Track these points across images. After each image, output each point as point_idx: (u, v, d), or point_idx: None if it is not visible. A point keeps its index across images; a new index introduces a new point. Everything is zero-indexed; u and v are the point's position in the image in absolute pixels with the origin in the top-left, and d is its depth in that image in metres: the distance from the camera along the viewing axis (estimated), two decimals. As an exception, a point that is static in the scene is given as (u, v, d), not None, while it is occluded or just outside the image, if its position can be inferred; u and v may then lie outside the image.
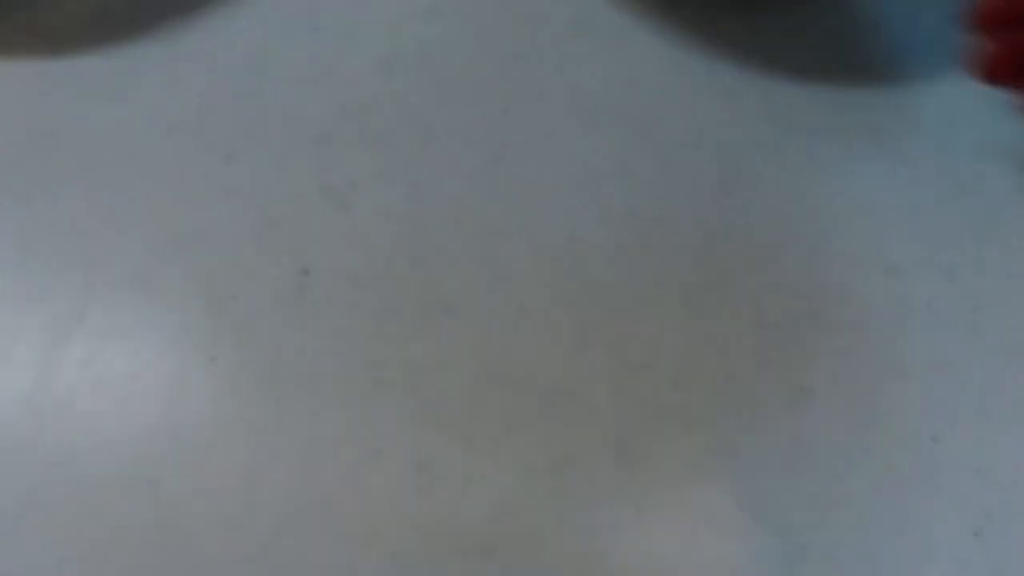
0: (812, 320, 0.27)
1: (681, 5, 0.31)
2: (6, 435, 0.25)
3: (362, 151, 0.29)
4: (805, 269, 0.27)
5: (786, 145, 0.29)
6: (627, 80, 0.30)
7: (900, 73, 0.30)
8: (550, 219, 0.28)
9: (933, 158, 0.29)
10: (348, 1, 0.30)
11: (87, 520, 0.24)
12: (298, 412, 0.26)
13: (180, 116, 0.29)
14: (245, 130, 0.29)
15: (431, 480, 0.25)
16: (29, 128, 0.29)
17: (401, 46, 0.30)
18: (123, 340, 0.26)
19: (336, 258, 0.27)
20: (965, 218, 0.28)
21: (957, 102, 0.30)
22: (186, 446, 0.25)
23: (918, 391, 0.26)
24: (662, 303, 0.27)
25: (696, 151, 0.29)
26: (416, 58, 0.30)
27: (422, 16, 0.30)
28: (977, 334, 0.27)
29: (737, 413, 0.26)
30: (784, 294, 0.27)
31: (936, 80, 0.30)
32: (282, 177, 0.28)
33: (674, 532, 0.25)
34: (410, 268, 0.27)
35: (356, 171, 0.28)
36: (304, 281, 0.27)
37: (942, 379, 0.26)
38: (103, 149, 0.28)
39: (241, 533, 0.24)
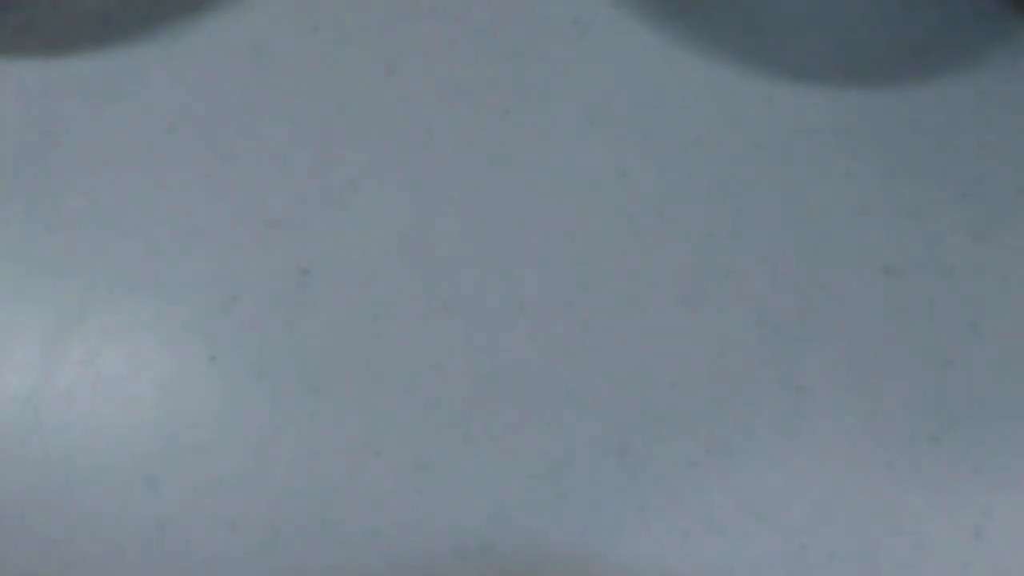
0: (812, 320, 0.27)
1: (681, 5, 0.31)
2: (6, 435, 0.25)
3: (362, 151, 0.29)
4: (805, 269, 0.27)
5: (786, 145, 0.29)
6: (627, 80, 0.30)
7: (900, 73, 0.30)
8: (550, 219, 0.28)
9: (933, 158, 0.29)
10: (348, 1, 0.30)
11: (87, 520, 0.24)
12: (298, 412, 0.26)
13: (180, 116, 0.29)
14: (245, 130, 0.29)
15: (431, 480, 0.25)
16: (29, 128, 0.29)
17: (401, 46, 0.30)
18: (123, 340, 0.26)
19: (336, 258, 0.27)
20: (965, 218, 0.28)
21: (958, 102, 0.30)
22: (186, 446, 0.25)
23: (918, 391, 0.26)
24: (662, 303, 0.27)
25: (696, 151, 0.29)
26: (416, 58, 0.30)
27: (422, 16, 0.30)
28: (977, 334, 0.27)
29: (737, 413, 0.26)
30: (784, 294, 0.27)
31: (937, 80, 0.30)
32: (282, 177, 0.28)
33: (674, 532, 0.25)
34: (410, 268, 0.27)
35: (356, 171, 0.28)
36: (304, 281, 0.27)
37: (942, 379, 0.26)
38: (103, 149, 0.28)
39: (241, 533, 0.24)
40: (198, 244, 0.27)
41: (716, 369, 0.26)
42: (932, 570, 0.25)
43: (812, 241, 0.28)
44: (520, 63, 0.30)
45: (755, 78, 0.30)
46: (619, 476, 0.25)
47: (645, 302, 0.27)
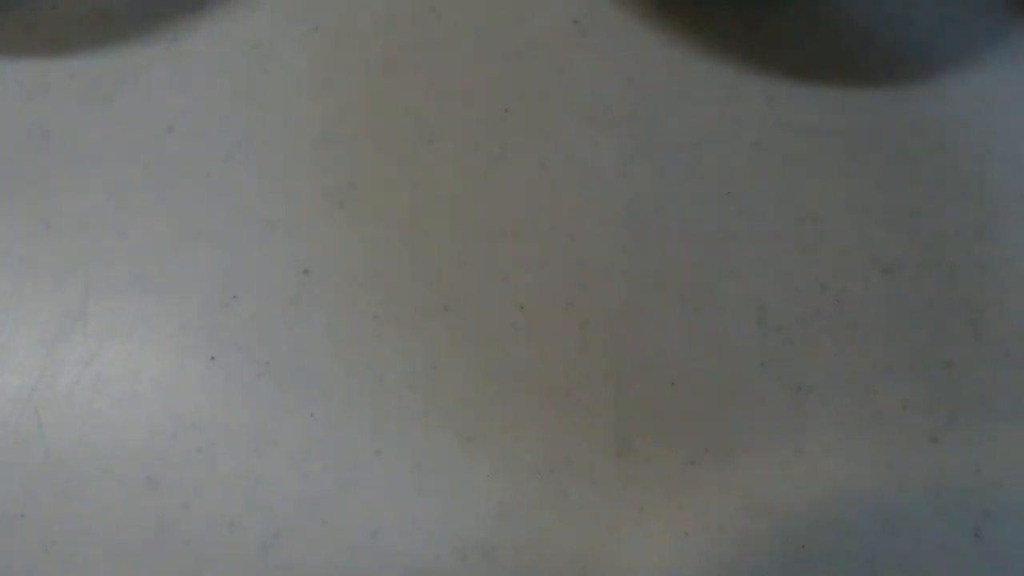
0: (812, 320, 0.27)
1: (681, 5, 0.31)
2: (6, 435, 0.25)
3: (362, 151, 0.29)
4: (805, 269, 0.27)
5: (786, 145, 0.29)
6: (627, 80, 0.30)
7: (900, 73, 0.30)
8: (550, 219, 0.28)
9: (933, 158, 0.29)
10: (348, 1, 0.30)
11: (87, 520, 0.24)
12: (298, 412, 0.26)
13: (180, 116, 0.29)
14: (245, 130, 0.29)
15: (431, 480, 0.25)
16: (29, 128, 0.29)
17: (401, 46, 0.30)
18: (123, 340, 0.26)
19: (336, 258, 0.27)
20: (965, 218, 0.28)
21: (958, 102, 0.30)
22: (186, 446, 0.25)
23: (918, 391, 0.26)
24: (662, 303, 0.27)
25: (696, 151, 0.29)
26: (416, 58, 0.30)
27: (422, 16, 0.30)
28: (977, 334, 0.27)
29: (737, 413, 0.26)
30: (784, 294, 0.27)
31: (937, 80, 0.30)
32: (282, 177, 0.28)
33: (674, 532, 0.25)
34: (410, 268, 0.27)
35: (356, 171, 0.28)
36: (304, 281, 0.27)
37: (942, 379, 0.26)
38: (103, 149, 0.28)
39: (241, 533, 0.24)
40: (198, 244, 0.27)
41: (716, 369, 0.26)
42: (932, 570, 0.25)
43: (812, 241, 0.28)
44: (520, 63, 0.30)
45: (755, 78, 0.30)
46: (619, 476, 0.25)
47: (645, 302, 0.27)
